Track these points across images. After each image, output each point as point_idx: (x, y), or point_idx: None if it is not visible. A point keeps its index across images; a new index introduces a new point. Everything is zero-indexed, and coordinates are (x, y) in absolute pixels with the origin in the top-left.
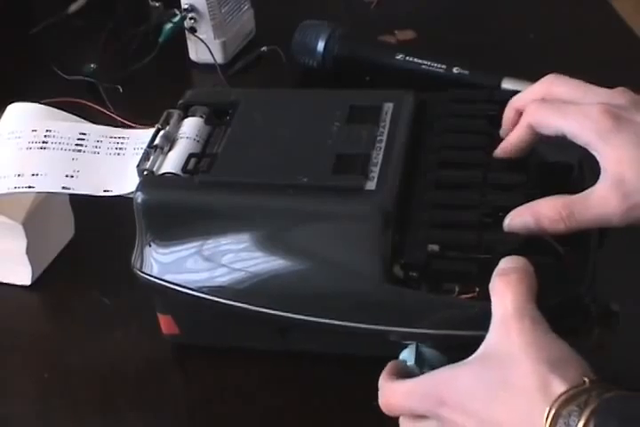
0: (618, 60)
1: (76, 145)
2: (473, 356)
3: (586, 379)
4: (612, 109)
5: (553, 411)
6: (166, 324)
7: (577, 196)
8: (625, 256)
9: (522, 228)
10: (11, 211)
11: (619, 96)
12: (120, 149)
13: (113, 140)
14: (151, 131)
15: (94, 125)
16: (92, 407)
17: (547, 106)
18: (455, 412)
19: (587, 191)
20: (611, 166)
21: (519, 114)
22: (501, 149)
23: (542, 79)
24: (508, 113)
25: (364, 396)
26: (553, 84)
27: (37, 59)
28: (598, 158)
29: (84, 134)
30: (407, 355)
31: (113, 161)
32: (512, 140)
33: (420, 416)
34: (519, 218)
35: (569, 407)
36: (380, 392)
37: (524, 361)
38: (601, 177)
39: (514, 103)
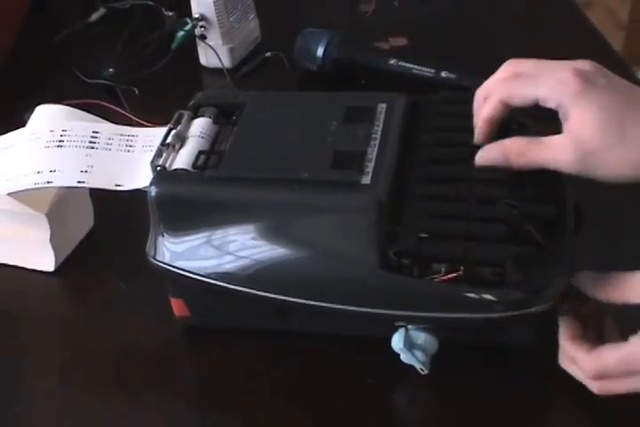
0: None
1: (90, 142)
2: None
3: None
4: (583, 73)
5: None
6: (178, 307)
7: (539, 138)
8: (600, 244)
9: (490, 162)
10: (35, 203)
11: (584, 63)
12: (130, 146)
13: (123, 137)
14: (159, 129)
15: (106, 124)
16: (108, 384)
17: (516, 79)
18: None
19: (548, 137)
20: (572, 126)
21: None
22: (478, 134)
23: (502, 66)
24: (478, 102)
25: (359, 372)
26: (515, 65)
27: (61, 64)
28: (565, 116)
29: (97, 132)
30: (397, 338)
31: (123, 157)
32: (483, 120)
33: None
34: (488, 153)
35: None
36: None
37: None
38: (563, 131)
39: (480, 93)
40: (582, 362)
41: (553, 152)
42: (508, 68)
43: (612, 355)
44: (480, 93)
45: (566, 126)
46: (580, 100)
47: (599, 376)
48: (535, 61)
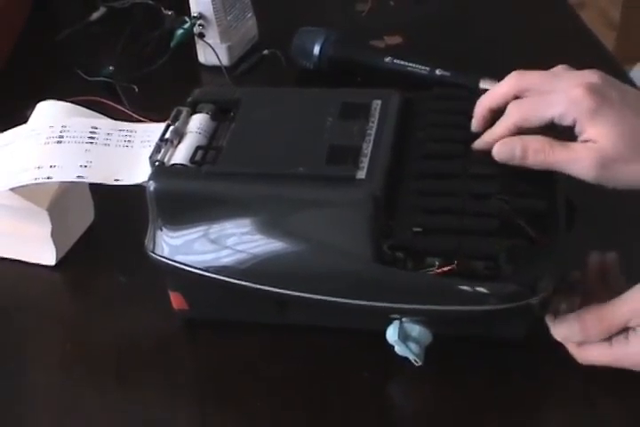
0: (584, 63)
1: (89, 138)
2: None
3: None
4: (594, 88)
5: None
6: (177, 300)
7: (560, 141)
8: (592, 237)
9: (508, 155)
10: (36, 198)
11: (591, 75)
12: (129, 141)
13: (122, 133)
14: (157, 125)
15: (105, 120)
16: (109, 376)
17: (527, 102)
18: None
19: (570, 142)
20: (592, 137)
21: (492, 111)
22: (484, 144)
23: (508, 77)
24: (482, 111)
25: (355, 365)
26: (522, 79)
27: (62, 62)
28: (580, 132)
29: (96, 128)
30: (392, 331)
31: (122, 152)
32: (496, 137)
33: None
34: (508, 145)
35: None
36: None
37: None
38: (581, 141)
39: (485, 102)
40: (589, 323)
41: (574, 156)
42: (514, 82)
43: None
44: (485, 103)
45: (584, 138)
46: (596, 117)
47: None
48: (540, 75)
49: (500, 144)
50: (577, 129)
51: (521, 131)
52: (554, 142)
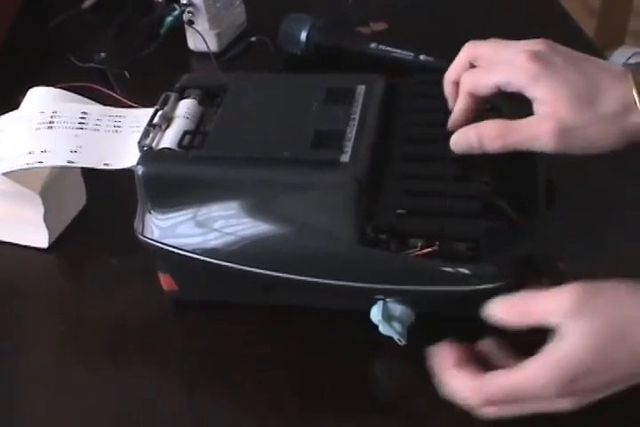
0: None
1: (79, 123)
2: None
3: None
4: (536, 54)
5: None
6: (166, 281)
7: (515, 120)
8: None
9: (465, 146)
10: (29, 182)
11: (537, 44)
12: (118, 126)
13: (111, 118)
14: (145, 110)
15: (95, 105)
16: (102, 355)
17: (476, 70)
18: None
19: (523, 119)
20: (545, 104)
21: (457, 84)
22: (452, 122)
23: (463, 48)
24: (448, 87)
25: (340, 344)
26: (474, 49)
27: (55, 48)
28: (532, 99)
29: (86, 113)
30: (376, 311)
31: (111, 137)
32: (457, 110)
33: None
34: (464, 136)
35: None
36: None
37: None
38: (536, 112)
39: (448, 77)
40: (466, 392)
41: (533, 132)
42: (468, 50)
43: (496, 383)
44: (448, 77)
45: (537, 106)
46: (540, 81)
47: (485, 404)
48: (492, 44)
49: (456, 136)
50: (529, 96)
51: (478, 100)
52: (509, 123)
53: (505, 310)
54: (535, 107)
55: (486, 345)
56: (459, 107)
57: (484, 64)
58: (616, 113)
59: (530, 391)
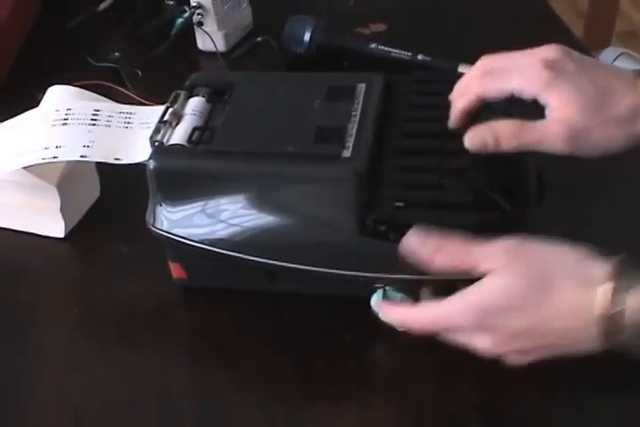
0: None
1: (92, 120)
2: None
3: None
4: (548, 62)
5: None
6: (175, 270)
7: (528, 121)
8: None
9: (481, 144)
10: (46, 175)
11: (550, 50)
12: (128, 122)
13: (122, 115)
14: (155, 107)
15: (107, 103)
16: (113, 337)
17: (490, 76)
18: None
19: (537, 121)
20: (557, 110)
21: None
22: (455, 118)
23: (477, 63)
24: (456, 96)
25: (340, 330)
26: (488, 64)
27: (72, 48)
28: (545, 104)
29: (98, 111)
30: (376, 298)
31: (122, 133)
32: (461, 108)
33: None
34: (479, 135)
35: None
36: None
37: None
38: (548, 116)
39: (459, 86)
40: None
41: (545, 133)
42: (481, 64)
43: (425, 311)
44: (458, 87)
45: (549, 112)
46: (553, 87)
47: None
48: (505, 57)
49: (471, 134)
50: (542, 102)
51: (480, 103)
52: (523, 124)
53: (434, 249)
54: (547, 111)
55: (424, 292)
56: (460, 106)
57: (499, 74)
58: (625, 117)
59: (448, 319)
